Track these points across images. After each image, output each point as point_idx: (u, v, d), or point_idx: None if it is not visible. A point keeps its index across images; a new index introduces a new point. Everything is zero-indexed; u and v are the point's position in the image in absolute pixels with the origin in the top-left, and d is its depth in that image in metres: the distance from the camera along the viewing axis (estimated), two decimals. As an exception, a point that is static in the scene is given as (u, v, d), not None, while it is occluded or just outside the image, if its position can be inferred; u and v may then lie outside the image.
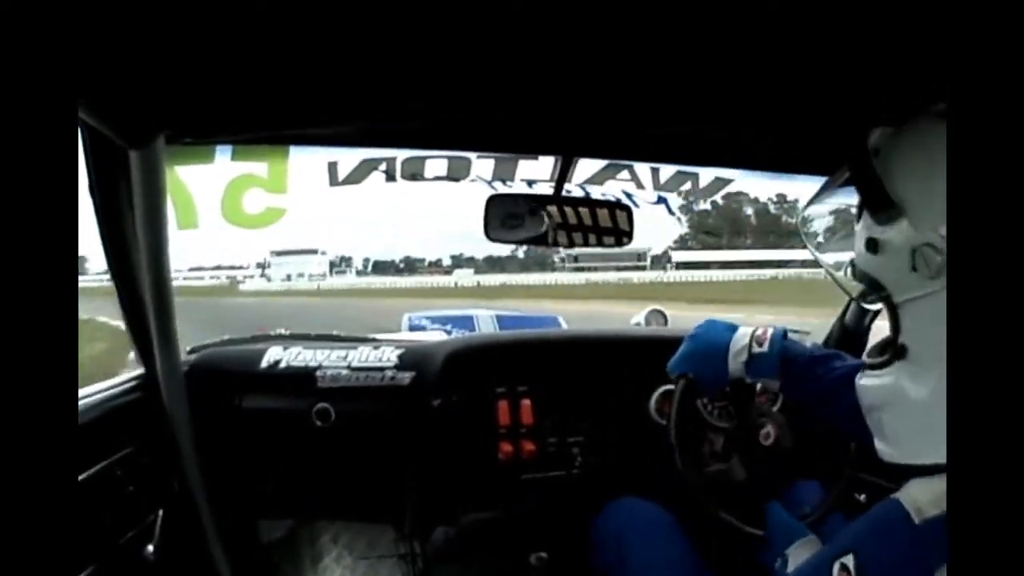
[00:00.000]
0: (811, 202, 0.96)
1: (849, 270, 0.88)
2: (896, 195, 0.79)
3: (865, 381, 0.89)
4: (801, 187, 1.65)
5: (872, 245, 0.81)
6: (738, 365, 1.21)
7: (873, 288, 0.85)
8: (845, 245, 0.89)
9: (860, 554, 0.75)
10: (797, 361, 1.17)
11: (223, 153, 1.48)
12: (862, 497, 1.45)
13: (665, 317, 2.84)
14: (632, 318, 2.91)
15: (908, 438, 0.83)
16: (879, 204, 0.80)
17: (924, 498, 0.73)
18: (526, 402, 1.74)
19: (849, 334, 1.92)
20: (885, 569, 0.74)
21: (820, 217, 0.96)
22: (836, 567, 0.76)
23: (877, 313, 1.86)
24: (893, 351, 0.84)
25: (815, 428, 1.43)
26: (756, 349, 1.18)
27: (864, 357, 0.92)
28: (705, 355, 1.25)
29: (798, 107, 1.12)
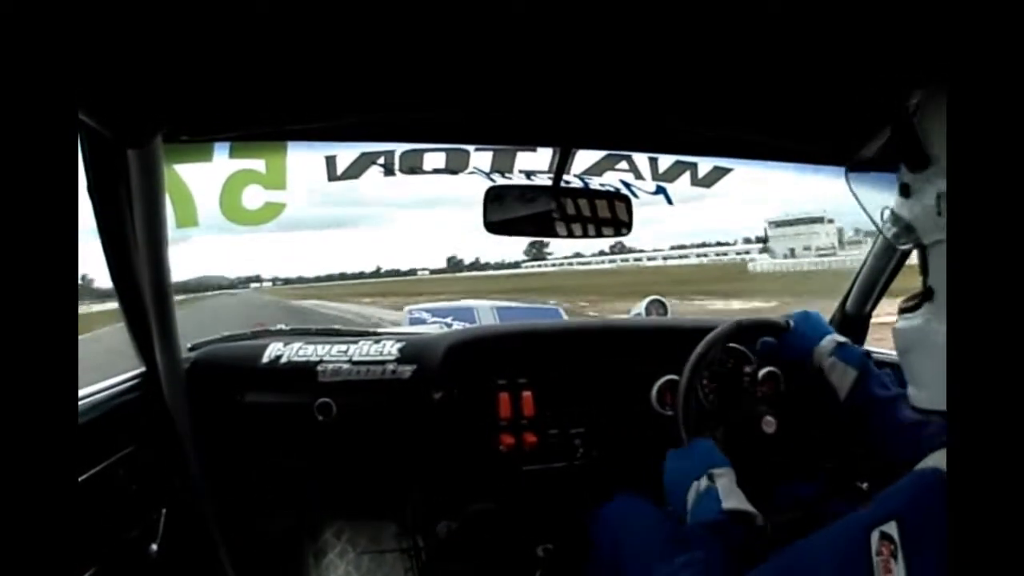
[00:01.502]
0: (856, 160, 0.99)
1: (887, 214, 0.92)
2: (929, 149, 0.83)
3: (899, 324, 0.91)
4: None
5: (905, 190, 0.87)
6: (831, 343, 1.37)
7: (905, 231, 0.89)
8: (884, 195, 0.94)
9: (905, 521, 0.69)
10: (874, 367, 1.32)
11: (221, 150, 1.48)
12: (864, 485, 1.46)
13: (665, 307, 2.84)
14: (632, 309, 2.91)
15: (935, 381, 0.82)
16: (913, 156, 0.85)
17: None
18: (527, 394, 1.74)
19: (850, 320, 1.93)
20: (934, 533, 0.68)
21: (864, 172, 1.01)
22: (875, 536, 0.70)
23: (878, 301, 1.88)
24: (923, 293, 0.87)
25: (816, 419, 1.43)
26: (850, 344, 1.36)
27: (899, 303, 0.95)
28: (811, 320, 1.47)
29: (799, 87, 1.12)
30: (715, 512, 1.07)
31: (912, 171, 0.86)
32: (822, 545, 0.79)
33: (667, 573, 0.98)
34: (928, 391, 0.85)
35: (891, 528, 0.69)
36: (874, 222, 0.97)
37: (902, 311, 0.91)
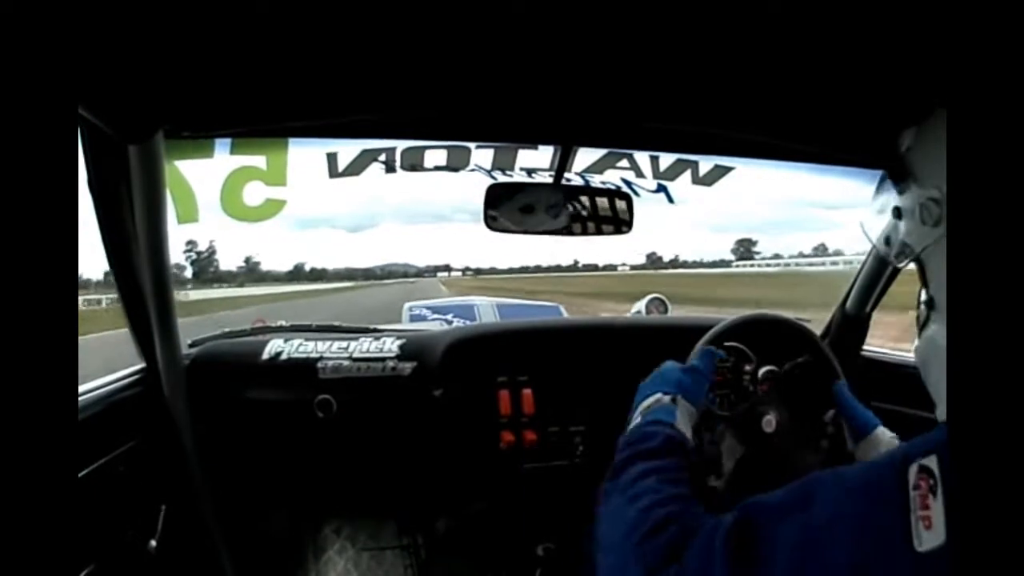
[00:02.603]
0: (865, 215, 1.02)
1: (888, 238, 0.96)
2: (912, 168, 0.88)
3: (916, 342, 0.91)
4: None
5: (897, 212, 0.91)
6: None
7: (902, 248, 0.92)
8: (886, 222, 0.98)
9: (947, 458, 0.63)
10: None
11: (222, 147, 1.48)
12: None
13: (666, 305, 2.85)
14: (632, 307, 2.92)
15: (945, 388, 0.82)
16: (901, 179, 0.90)
17: None
18: (527, 391, 1.74)
19: (850, 321, 1.93)
20: None
21: (870, 212, 1.02)
22: (914, 469, 0.64)
23: (878, 302, 1.88)
24: (927, 305, 0.88)
25: (816, 417, 1.43)
26: None
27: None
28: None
29: (799, 86, 1.12)
30: (664, 420, 1.10)
31: (900, 193, 0.90)
32: (852, 474, 0.73)
33: (626, 481, 0.99)
34: (943, 403, 0.82)
35: (931, 462, 0.64)
36: (880, 250, 0.99)
37: (919, 331, 0.91)
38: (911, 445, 0.69)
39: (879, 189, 1.02)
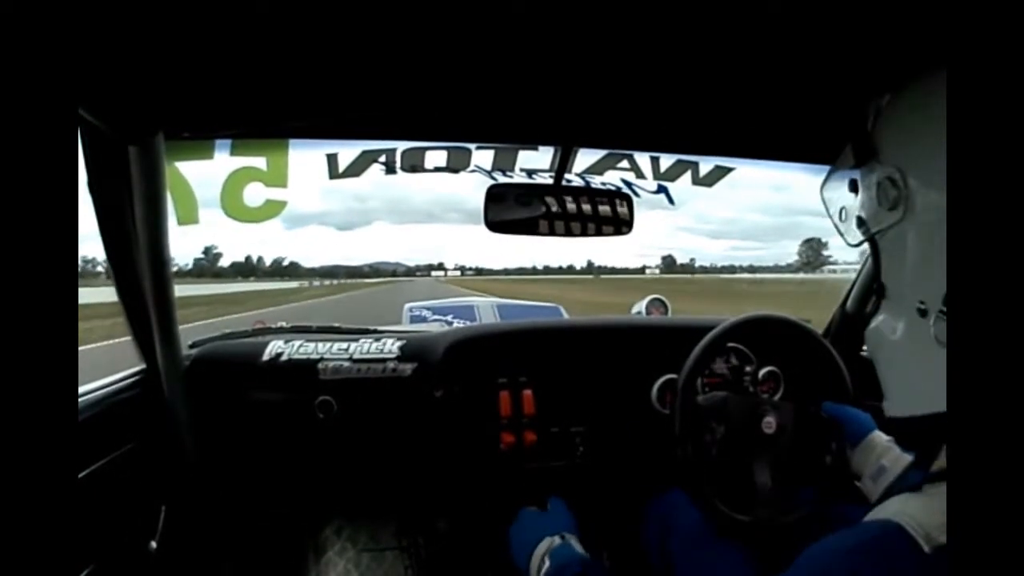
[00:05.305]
0: (825, 182, 0.99)
1: (843, 213, 0.93)
2: (875, 143, 0.84)
3: (867, 331, 0.89)
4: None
5: (853, 185, 0.89)
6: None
7: (858, 224, 0.90)
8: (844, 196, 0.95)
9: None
10: None
11: (222, 148, 1.48)
12: None
13: (666, 306, 2.85)
14: (633, 307, 2.91)
15: (895, 385, 0.82)
16: (862, 149, 0.87)
17: (932, 521, 0.61)
18: (527, 392, 1.74)
19: (850, 320, 1.93)
20: None
21: (832, 191, 0.98)
22: None
23: (879, 302, 1.88)
24: (877, 293, 0.86)
25: (816, 418, 1.43)
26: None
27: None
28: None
29: (797, 87, 1.12)
30: (576, 557, 1.15)
31: (859, 165, 0.87)
32: None
33: None
34: (892, 399, 0.83)
35: None
36: (835, 223, 0.96)
37: (869, 318, 0.89)
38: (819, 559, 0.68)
39: (836, 171, 1.01)
